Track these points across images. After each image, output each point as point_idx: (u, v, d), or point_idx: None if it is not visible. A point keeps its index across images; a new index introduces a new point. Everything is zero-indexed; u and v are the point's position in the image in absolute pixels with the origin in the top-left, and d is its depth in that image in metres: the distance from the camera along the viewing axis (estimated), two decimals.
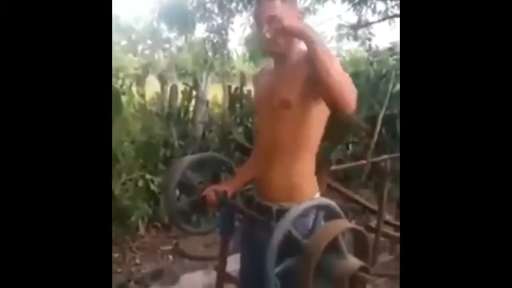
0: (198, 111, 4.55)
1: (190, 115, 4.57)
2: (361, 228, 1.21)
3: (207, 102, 4.84)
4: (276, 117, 1.32)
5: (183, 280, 2.71)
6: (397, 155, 3.03)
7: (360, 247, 1.20)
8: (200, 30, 5.08)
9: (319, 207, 1.22)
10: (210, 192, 1.49)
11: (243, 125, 4.47)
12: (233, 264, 1.61)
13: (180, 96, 4.69)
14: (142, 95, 4.70)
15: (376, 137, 4.39)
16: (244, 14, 5.09)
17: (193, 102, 4.65)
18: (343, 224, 1.17)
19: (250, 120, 4.44)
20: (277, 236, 1.10)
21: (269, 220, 1.24)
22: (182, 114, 4.56)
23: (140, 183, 3.31)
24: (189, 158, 1.61)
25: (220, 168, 1.64)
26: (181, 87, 4.78)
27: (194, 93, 4.62)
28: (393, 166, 3.03)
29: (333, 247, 1.10)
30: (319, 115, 1.31)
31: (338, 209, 1.23)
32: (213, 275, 1.71)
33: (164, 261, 3.03)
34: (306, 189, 1.33)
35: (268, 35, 1.27)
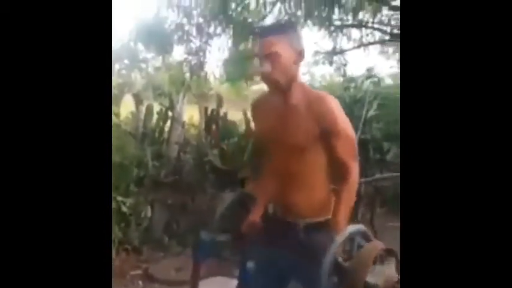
0: (174, 132, 4.51)
1: (165, 135, 4.52)
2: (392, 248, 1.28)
3: (183, 123, 4.80)
4: (289, 154, 1.41)
5: None
6: (371, 179, 3.07)
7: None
8: (178, 52, 5.09)
9: (357, 233, 1.29)
10: (248, 227, 1.51)
11: (219, 147, 4.44)
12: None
13: (155, 116, 4.65)
14: (117, 115, 4.63)
15: None
16: (223, 36, 5.14)
17: (168, 122, 4.61)
18: (379, 245, 1.25)
19: (226, 142, 4.42)
20: (327, 263, 1.16)
21: (296, 235, 1.35)
22: (157, 135, 4.50)
23: (112, 204, 3.23)
24: (229, 196, 1.66)
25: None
26: (157, 107, 4.74)
27: (170, 113, 4.58)
28: (367, 190, 3.06)
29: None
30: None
31: (369, 232, 1.32)
32: None
33: (135, 287, 2.93)
34: (329, 204, 1.42)
35: (268, 69, 1.34)
